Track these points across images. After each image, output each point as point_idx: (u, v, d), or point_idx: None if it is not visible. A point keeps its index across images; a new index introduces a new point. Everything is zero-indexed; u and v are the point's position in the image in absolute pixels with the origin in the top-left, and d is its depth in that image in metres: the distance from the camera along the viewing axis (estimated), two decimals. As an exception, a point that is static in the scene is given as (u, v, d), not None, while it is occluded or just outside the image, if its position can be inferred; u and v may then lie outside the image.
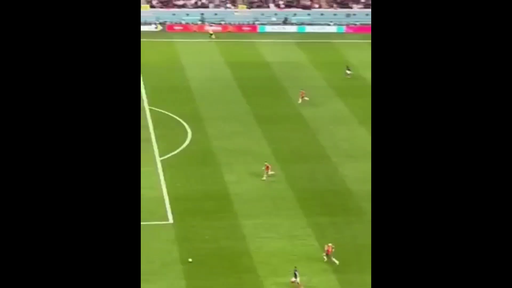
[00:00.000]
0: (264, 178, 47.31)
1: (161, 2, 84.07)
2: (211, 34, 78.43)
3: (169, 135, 54.21)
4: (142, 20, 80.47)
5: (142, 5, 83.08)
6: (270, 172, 47.38)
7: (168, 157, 50.32)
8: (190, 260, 38.32)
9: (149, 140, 53.01)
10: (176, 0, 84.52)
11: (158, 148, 51.79)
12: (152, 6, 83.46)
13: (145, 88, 62.69)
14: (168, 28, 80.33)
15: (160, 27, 78.14)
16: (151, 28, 79.98)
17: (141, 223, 41.31)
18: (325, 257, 38.58)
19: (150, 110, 58.29)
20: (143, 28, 79.76)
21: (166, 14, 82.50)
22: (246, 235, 40.77)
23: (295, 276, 36.41)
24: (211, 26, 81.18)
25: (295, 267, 36.74)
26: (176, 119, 56.75)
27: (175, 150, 51.55)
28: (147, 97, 60.80)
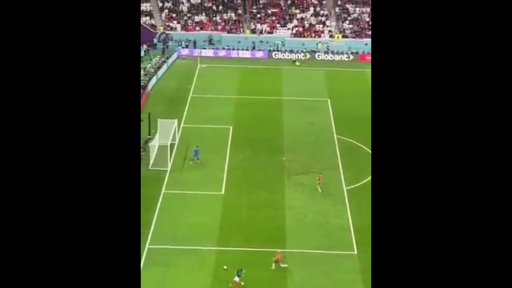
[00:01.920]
0: (319, 190, 49.07)
1: (354, 32, 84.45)
2: (294, 61, 78.45)
3: (356, 165, 53.97)
4: (334, 49, 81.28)
5: (335, 34, 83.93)
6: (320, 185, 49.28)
7: (354, 187, 50.11)
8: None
9: (337, 168, 53.18)
10: (370, 30, 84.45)
11: (345, 177, 51.76)
12: (344, 36, 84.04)
13: (334, 117, 63.06)
14: (360, 58, 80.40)
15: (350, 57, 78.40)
16: (344, 57, 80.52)
17: (326, 251, 42.06)
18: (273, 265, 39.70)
19: (338, 139, 58.46)
20: (335, 57, 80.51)
21: (359, 44, 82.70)
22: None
23: (238, 275, 37.68)
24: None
25: (241, 269, 38.12)
26: (364, 149, 56.45)
27: (362, 180, 51.20)
28: (335, 126, 61.06)
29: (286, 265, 40.13)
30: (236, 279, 38.07)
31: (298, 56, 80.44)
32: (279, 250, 40.54)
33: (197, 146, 53.75)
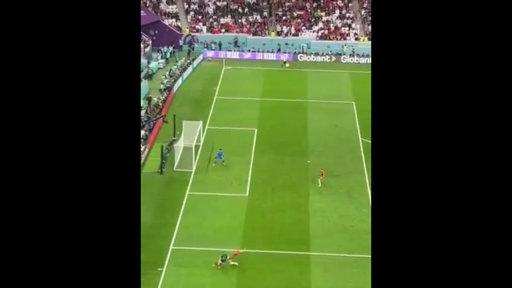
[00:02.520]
0: (319, 184, 50.14)
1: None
2: (285, 63, 78.10)
3: (381, 168, 53.66)
4: (360, 52, 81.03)
5: (361, 37, 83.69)
6: (322, 178, 50.33)
7: (379, 190, 49.86)
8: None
9: (362, 171, 52.95)
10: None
11: (369, 180, 51.37)
12: (370, 39, 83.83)
13: (359, 119, 62.85)
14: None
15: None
16: (369, 60, 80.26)
17: (350, 255, 41.90)
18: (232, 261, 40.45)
19: (363, 142, 58.24)
20: (360, 60, 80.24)
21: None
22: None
23: (222, 260, 39.30)
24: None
25: (226, 256, 39.59)
26: (389, 152, 56.11)
27: (386, 183, 50.90)
28: (360, 129, 60.84)
29: (236, 264, 40.43)
30: (219, 261, 39.70)
31: (323, 58, 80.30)
32: (240, 250, 41.22)
33: (220, 149, 53.85)
